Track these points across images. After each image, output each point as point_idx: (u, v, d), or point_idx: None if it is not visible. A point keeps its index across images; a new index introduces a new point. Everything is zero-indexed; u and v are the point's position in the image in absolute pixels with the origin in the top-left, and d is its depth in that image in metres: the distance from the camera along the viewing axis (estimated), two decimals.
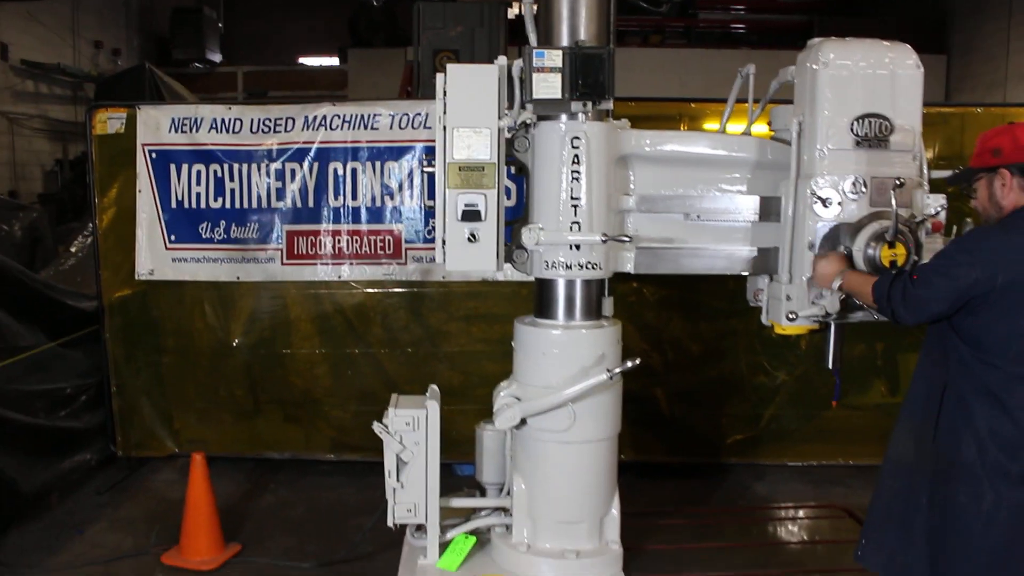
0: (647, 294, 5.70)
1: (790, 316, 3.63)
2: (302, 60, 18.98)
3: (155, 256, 5.62)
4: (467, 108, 3.50)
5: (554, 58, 3.43)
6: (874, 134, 3.51)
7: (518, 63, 3.55)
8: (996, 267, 2.86)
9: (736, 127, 4.17)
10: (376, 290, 5.63)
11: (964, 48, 15.27)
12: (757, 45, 15.34)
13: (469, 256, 3.57)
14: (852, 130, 3.51)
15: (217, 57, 17.49)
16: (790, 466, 5.92)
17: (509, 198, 5.19)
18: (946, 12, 15.62)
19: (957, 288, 2.90)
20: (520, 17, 3.69)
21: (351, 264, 5.57)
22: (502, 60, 3.55)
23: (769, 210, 3.78)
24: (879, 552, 3.19)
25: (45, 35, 13.71)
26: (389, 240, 5.54)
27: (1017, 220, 2.96)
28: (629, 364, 3.61)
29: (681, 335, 5.76)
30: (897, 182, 3.32)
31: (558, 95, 3.46)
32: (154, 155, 5.56)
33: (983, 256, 2.90)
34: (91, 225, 5.97)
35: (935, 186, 3.55)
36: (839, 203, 3.52)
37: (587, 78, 3.45)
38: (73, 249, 6.93)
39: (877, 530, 3.21)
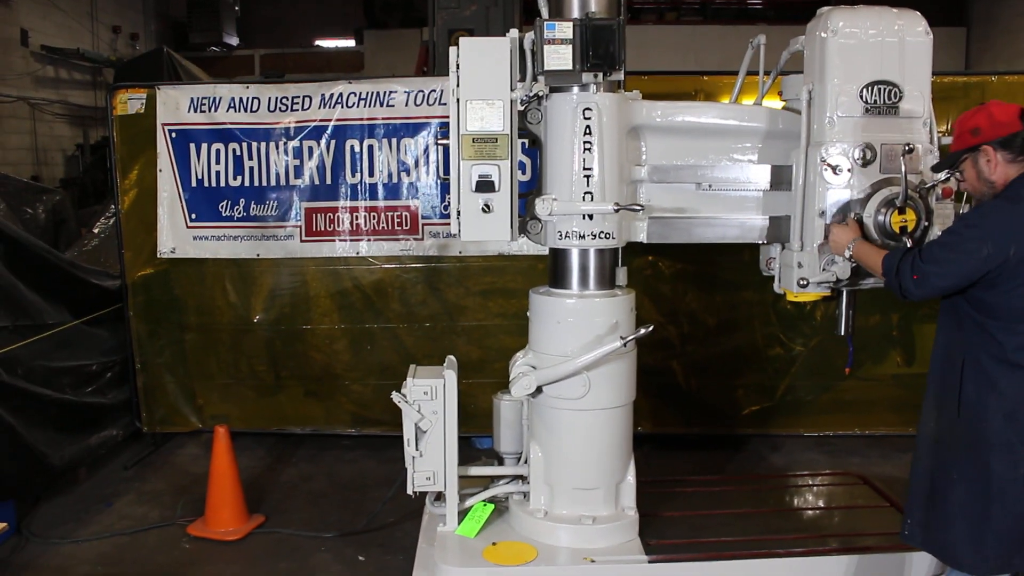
0: (663, 267, 5.73)
1: (801, 283, 3.66)
2: (318, 42, 19.02)
3: (176, 234, 5.72)
4: (480, 80, 3.54)
5: (565, 30, 3.47)
6: (883, 101, 3.54)
7: (529, 35, 3.58)
8: (1008, 240, 2.90)
9: (751, 102, 4.19)
10: (394, 266, 5.70)
11: (984, 20, 15.12)
12: (774, 21, 15.23)
13: (484, 226, 3.63)
14: (862, 97, 3.54)
15: (234, 40, 17.58)
16: (806, 436, 5.97)
17: (524, 172, 5.24)
18: None
19: (967, 264, 2.94)
20: None
21: (369, 240, 5.65)
22: (514, 33, 3.59)
23: (780, 179, 3.82)
24: (922, 530, 3.23)
25: (64, 21, 13.83)
26: (406, 216, 5.61)
27: (1019, 190, 2.99)
28: (642, 331, 3.66)
29: (697, 307, 5.80)
30: (906, 148, 3.34)
31: (569, 66, 3.49)
32: (174, 135, 5.64)
33: (993, 231, 2.94)
34: (113, 206, 6.06)
35: (945, 152, 3.57)
36: (849, 170, 3.54)
37: (598, 49, 3.48)
38: (96, 230, 7.02)
39: (918, 509, 3.24)
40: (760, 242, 3.98)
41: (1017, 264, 2.90)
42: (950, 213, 3.60)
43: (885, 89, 3.54)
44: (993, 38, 14.70)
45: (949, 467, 3.11)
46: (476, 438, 5.66)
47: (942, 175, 3.43)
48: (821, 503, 4.53)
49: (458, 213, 3.64)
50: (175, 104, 5.65)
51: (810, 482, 4.82)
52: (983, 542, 3.02)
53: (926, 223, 3.48)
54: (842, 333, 3.82)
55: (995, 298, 2.97)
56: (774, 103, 4.09)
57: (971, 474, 3.04)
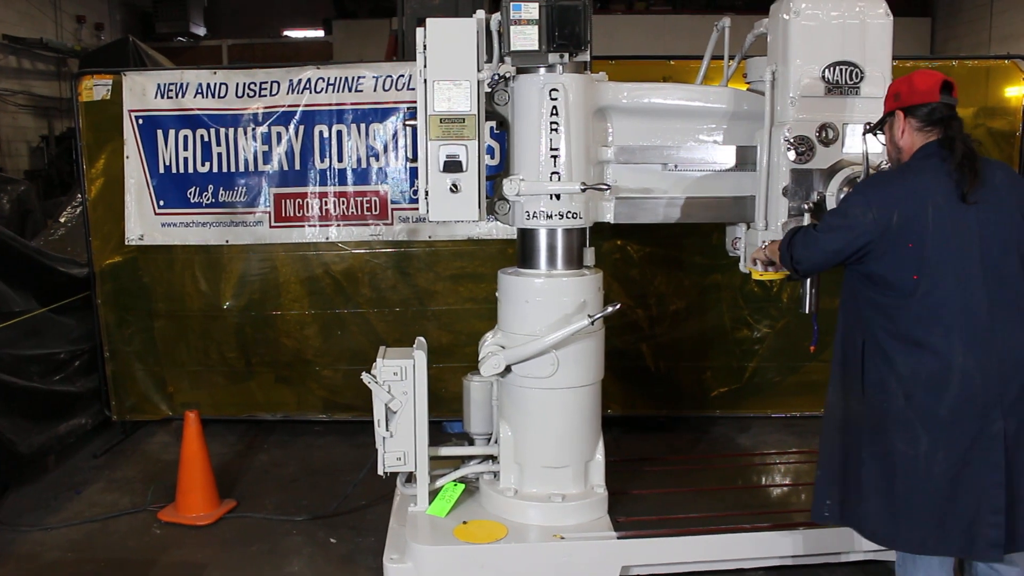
0: (631, 251, 5.78)
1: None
2: (287, 32, 18.89)
3: (144, 221, 5.68)
4: (447, 61, 3.57)
5: (531, 10, 3.51)
6: (845, 81, 3.61)
7: (496, 17, 3.62)
8: (891, 207, 2.95)
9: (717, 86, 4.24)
10: (364, 251, 5.71)
11: (948, 11, 15.32)
12: (742, 10, 15.34)
13: (452, 206, 3.66)
14: (824, 78, 3.61)
15: (201, 31, 17.41)
16: (774, 417, 6.05)
17: (492, 157, 5.26)
18: None
19: (853, 229, 2.99)
20: None
21: (338, 225, 5.65)
22: (480, 14, 3.62)
23: (745, 159, 3.88)
24: (840, 507, 3.24)
25: (27, 10, 13.62)
26: (375, 201, 5.61)
27: (912, 163, 3.06)
28: (609, 309, 3.71)
29: (665, 291, 5.85)
30: (867, 127, 3.41)
31: (535, 47, 3.53)
32: (141, 121, 5.60)
33: (878, 198, 3.00)
34: (80, 195, 6.01)
35: None
36: (812, 150, 3.60)
37: (564, 29, 3.52)
38: (62, 219, 6.94)
39: (834, 487, 3.25)
40: (726, 222, 4.03)
41: (899, 232, 2.94)
42: None
43: (847, 69, 3.61)
44: (956, 28, 14.91)
45: (859, 446, 3.13)
46: (447, 422, 5.67)
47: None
48: (788, 480, 4.61)
49: (426, 193, 3.67)
50: (141, 90, 5.61)
51: (777, 460, 4.89)
52: (895, 518, 3.04)
53: None
54: (807, 311, 3.88)
55: (883, 270, 3.00)
56: (740, 88, 4.14)
57: (878, 452, 3.06)
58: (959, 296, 2.91)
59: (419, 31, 3.60)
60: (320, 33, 18.20)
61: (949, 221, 2.92)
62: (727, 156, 3.92)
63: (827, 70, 3.60)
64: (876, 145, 3.47)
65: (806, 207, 3.60)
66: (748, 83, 4.04)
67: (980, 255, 2.92)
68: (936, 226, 2.92)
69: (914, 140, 3.07)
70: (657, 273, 5.82)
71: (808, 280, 3.83)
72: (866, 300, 3.10)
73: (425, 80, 3.59)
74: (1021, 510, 2.93)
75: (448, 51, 3.57)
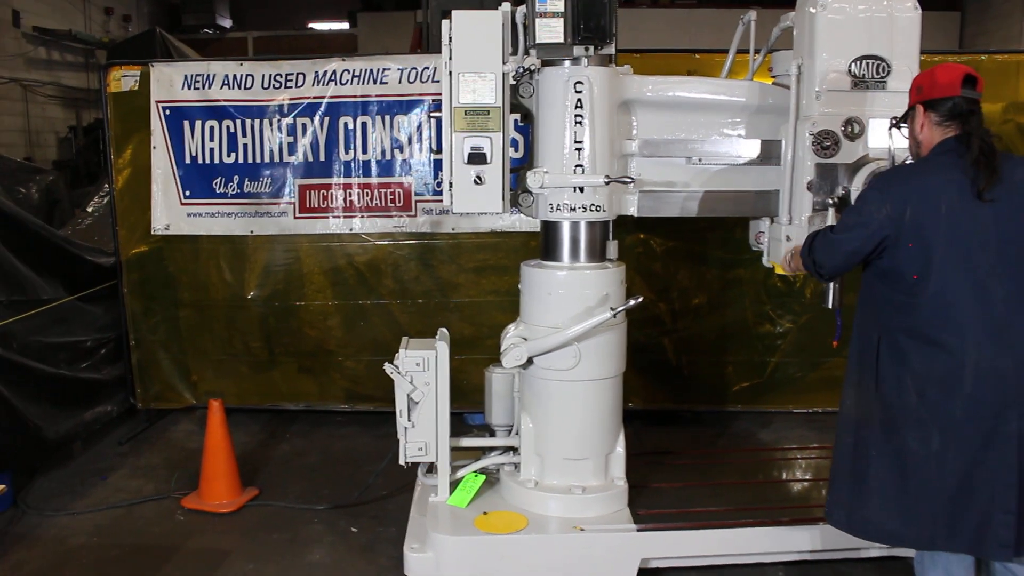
0: (654, 245, 5.78)
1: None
2: (312, 25, 18.96)
3: (170, 211, 5.74)
4: (472, 53, 3.58)
5: (557, 3, 3.51)
6: (872, 75, 3.59)
7: (521, 9, 3.63)
8: (905, 203, 2.92)
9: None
10: (387, 242, 5.73)
11: (978, 5, 15.15)
12: (767, 4, 15.23)
13: (476, 198, 3.67)
14: (850, 72, 3.58)
15: (227, 23, 17.52)
16: (795, 413, 6.03)
17: (516, 150, 5.27)
18: None
19: (868, 223, 2.98)
20: None
21: (362, 217, 5.68)
22: (506, 6, 3.62)
23: (770, 153, 3.87)
24: (840, 509, 3.23)
25: (56, 2, 13.76)
26: (399, 193, 5.64)
27: (929, 158, 3.03)
28: (632, 302, 3.71)
29: (688, 285, 5.84)
30: (892, 121, 3.39)
31: (560, 39, 3.53)
32: (168, 112, 5.66)
33: (892, 192, 2.98)
34: (107, 184, 6.08)
35: None
36: (837, 144, 3.59)
37: (589, 22, 3.52)
38: (90, 209, 7.02)
39: (842, 489, 3.24)
40: (749, 216, 4.02)
41: (911, 228, 2.92)
42: None
43: (874, 64, 3.59)
44: (986, 23, 14.74)
45: (868, 444, 3.11)
46: (468, 414, 5.69)
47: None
48: (808, 475, 4.59)
49: (450, 185, 3.68)
50: (169, 81, 5.66)
51: (798, 455, 4.88)
52: (904, 515, 3.02)
53: None
54: (830, 306, 3.86)
55: (897, 266, 2.98)
56: (765, 82, 4.13)
57: (888, 450, 3.04)
58: (973, 294, 2.89)
59: (444, 23, 3.61)
60: (345, 25, 18.26)
61: (963, 218, 2.89)
62: (751, 150, 3.90)
63: (854, 64, 3.58)
64: (902, 140, 3.44)
65: (831, 202, 3.59)
66: (773, 77, 4.03)
67: (997, 253, 2.88)
68: (949, 223, 2.89)
69: (933, 135, 3.04)
70: (680, 267, 5.81)
71: None
72: (881, 296, 3.09)
73: (450, 72, 3.60)
74: None
75: (473, 43, 3.57)
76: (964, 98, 2.97)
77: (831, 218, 3.58)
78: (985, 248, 2.89)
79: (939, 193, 2.92)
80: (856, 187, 3.56)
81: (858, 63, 3.58)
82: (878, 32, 3.58)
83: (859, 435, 3.16)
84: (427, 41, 7.80)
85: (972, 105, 2.99)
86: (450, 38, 3.59)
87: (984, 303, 2.88)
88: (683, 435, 5.72)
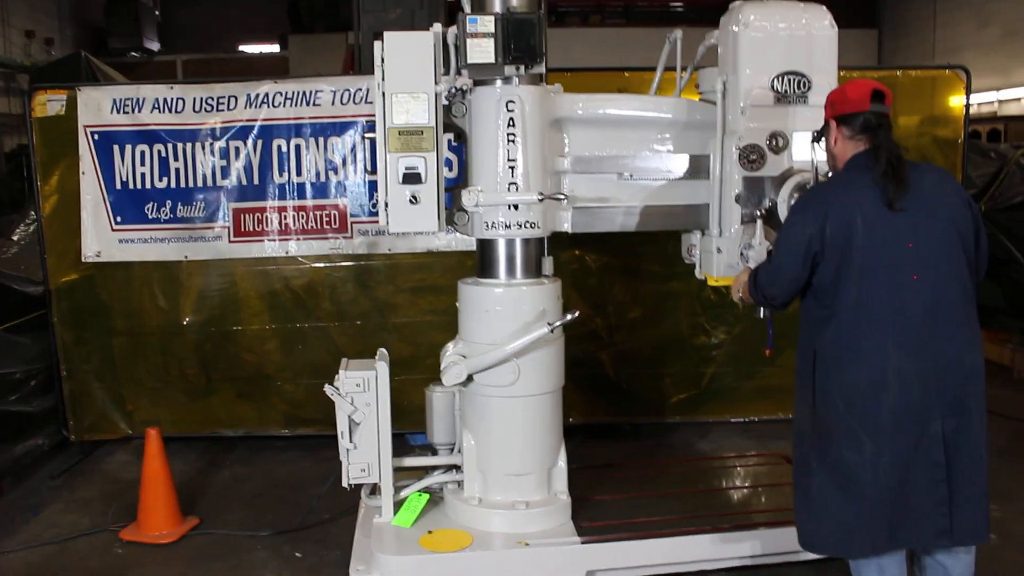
0: (589, 261, 5.85)
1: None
2: (242, 48, 18.82)
3: (101, 238, 5.64)
4: (404, 74, 3.61)
5: (487, 24, 3.56)
6: (793, 91, 3.71)
7: (453, 30, 3.67)
8: (823, 219, 3.03)
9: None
10: (323, 264, 5.71)
11: (893, 23, 15.70)
12: (695, 23, 15.57)
13: (411, 217, 3.69)
14: (773, 87, 3.70)
15: (155, 46, 17.31)
16: (732, 422, 6.14)
17: (450, 169, 5.30)
18: None
19: (798, 247, 3.08)
20: (458, 0, 3.80)
21: (298, 239, 5.65)
22: (437, 27, 3.67)
23: (699, 168, 3.97)
24: (798, 523, 3.28)
25: None
26: (335, 215, 5.63)
27: (842, 173, 3.16)
28: (569, 317, 3.77)
29: (623, 299, 5.92)
30: (815, 135, 3.50)
31: (491, 59, 3.59)
32: (96, 136, 5.56)
33: (812, 211, 3.09)
34: (33, 212, 5.94)
35: None
36: (762, 157, 3.69)
37: (519, 42, 3.59)
38: (15, 237, 6.85)
39: (795, 501, 3.31)
40: (681, 230, 4.11)
41: (832, 242, 3.01)
42: None
43: (795, 79, 3.71)
44: (901, 39, 15.28)
45: (809, 457, 3.18)
46: (409, 435, 5.68)
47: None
48: (748, 482, 4.69)
49: (386, 205, 3.70)
50: (97, 105, 5.58)
51: (736, 463, 4.97)
52: (845, 528, 3.09)
53: None
54: (761, 316, 3.96)
55: (825, 282, 3.08)
56: (692, 98, 4.23)
57: (827, 463, 3.11)
58: (892, 302, 2.99)
59: (377, 44, 3.64)
60: (276, 48, 18.19)
61: (879, 229, 2.99)
62: (681, 165, 4.00)
63: (776, 80, 3.70)
64: (824, 153, 3.57)
65: (759, 213, 3.69)
66: (700, 93, 4.13)
67: (913, 261, 2.99)
68: (866, 235, 2.99)
69: (846, 149, 3.16)
70: (615, 282, 5.89)
71: None
72: (811, 312, 3.19)
73: (383, 93, 3.63)
74: (958, 506, 3.02)
75: (406, 64, 3.61)
76: (873, 112, 3.09)
77: (759, 230, 3.68)
78: (902, 256, 2.99)
79: (854, 206, 3.02)
80: (782, 198, 3.68)
81: (780, 79, 3.70)
82: (798, 49, 3.71)
83: (802, 450, 3.25)
84: (359, 63, 7.82)
85: (881, 119, 3.10)
86: (383, 59, 3.62)
87: (903, 310, 2.99)
88: (623, 448, 5.79)
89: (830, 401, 3.09)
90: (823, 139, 3.28)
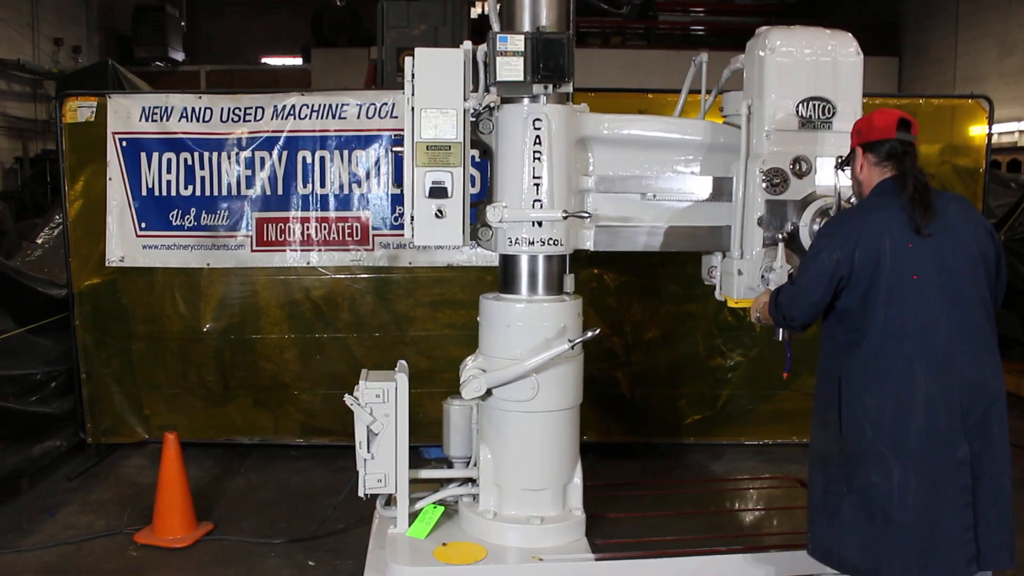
0: (608, 280, 5.88)
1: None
2: (265, 60, 18.99)
3: (126, 243, 5.71)
4: (434, 90, 3.66)
5: (516, 42, 3.61)
6: (818, 116, 3.73)
7: (482, 48, 3.72)
8: (854, 244, 3.06)
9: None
10: (344, 276, 5.76)
11: (915, 51, 15.71)
12: (716, 47, 15.64)
13: (436, 231, 3.73)
14: (797, 112, 3.73)
15: (180, 56, 17.47)
16: (747, 445, 6.14)
17: (474, 185, 5.34)
18: (899, 17, 16.07)
19: (825, 270, 3.10)
20: (482, 16, 3.86)
21: (319, 251, 5.70)
22: (467, 45, 3.71)
23: (721, 190, 3.99)
24: (819, 545, 3.30)
25: (4, 31, 13.64)
26: (357, 227, 5.68)
27: (871, 199, 3.19)
28: (589, 334, 3.79)
29: (641, 319, 5.95)
30: (839, 161, 3.53)
31: (520, 78, 3.63)
32: (125, 143, 5.64)
33: (841, 236, 3.13)
34: (59, 216, 6.02)
35: None
36: (786, 181, 3.72)
37: (548, 61, 3.63)
38: (40, 241, 6.93)
39: (817, 525, 3.31)
40: (702, 251, 4.14)
41: (861, 267, 3.05)
42: None
43: (819, 105, 3.74)
44: (923, 67, 15.29)
45: (837, 481, 3.19)
46: (424, 448, 5.70)
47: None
48: (761, 505, 4.69)
49: (411, 218, 3.74)
50: (126, 113, 5.66)
51: (750, 486, 4.97)
52: (876, 550, 3.09)
53: None
54: (779, 339, 3.98)
55: (853, 307, 3.11)
56: (716, 121, 4.26)
57: (855, 487, 3.12)
58: (919, 326, 3.02)
59: (407, 60, 3.69)
60: (298, 61, 18.34)
61: (906, 254, 3.03)
62: (704, 187, 4.03)
63: (800, 105, 3.73)
64: (847, 178, 3.59)
65: (780, 237, 3.71)
66: (724, 116, 4.16)
67: (938, 285, 3.03)
68: (894, 259, 3.03)
69: (872, 176, 3.20)
70: (633, 302, 5.92)
71: None
72: (837, 337, 3.21)
73: (413, 108, 3.67)
74: (983, 530, 3.03)
75: (436, 80, 3.65)
76: (899, 140, 3.14)
77: (780, 253, 3.70)
78: (928, 280, 3.03)
79: (882, 231, 3.05)
80: (804, 223, 3.70)
81: (805, 104, 3.73)
82: (823, 75, 3.73)
83: (828, 472, 3.25)
84: (381, 78, 7.88)
85: (907, 147, 3.15)
86: (413, 75, 3.67)
87: (929, 333, 3.01)
88: (637, 467, 5.79)
89: (857, 426, 3.10)
90: (848, 166, 3.32)
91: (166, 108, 5.64)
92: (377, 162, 5.63)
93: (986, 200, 5.93)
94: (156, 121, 5.64)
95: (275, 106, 5.63)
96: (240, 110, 5.64)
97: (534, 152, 3.78)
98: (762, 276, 3.80)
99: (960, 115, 6.02)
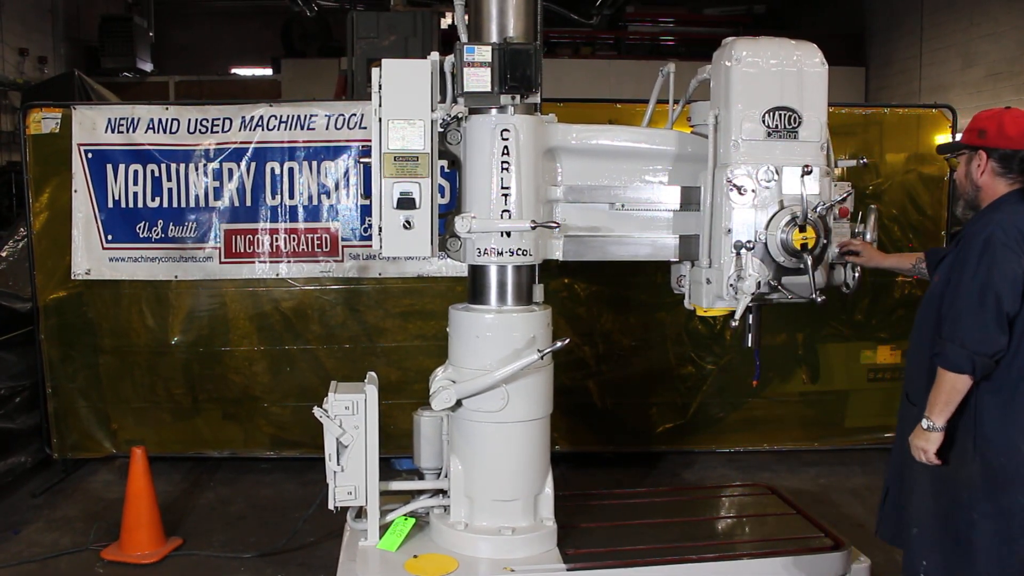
0: (578, 289, 5.89)
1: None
2: (235, 70, 18.88)
3: (92, 256, 5.65)
4: (401, 101, 3.65)
5: (484, 53, 3.61)
6: (784, 126, 3.75)
7: (450, 59, 3.72)
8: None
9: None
10: (313, 287, 5.74)
11: (881, 62, 15.90)
12: (686, 56, 15.74)
13: (405, 242, 3.72)
14: (764, 122, 3.74)
15: (148, 67, 17.28)
16: (718, 452, 6.18)
17: (443, 196, 5.35)
18: (865, 28, 16.27)
19: (1017, 279, 2.90)
20: (452, 27, 3.86)
21: (289, 262, 5.68)
22: (434, 56, 3.71)
23: (690, 199, 4.00)
24: (938, 570, 3.13)
25: None
26: (326, 238, 5.66)
27: (1006, 208, 3.06)
28: (559, 344, 3.79)
29: (612, 328, 5.97)
30: (805, 170, 3.56)
31: (488, 88, 3.63)
32: (90, 155, 5.59)
33: (1013, 238, 2.94)
34: (23, 228, 5.94)
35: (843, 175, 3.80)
36: (753, 191, 3.74)
37: (515, 72, 3.64)
38: (4, 254, 6.83)
39: (934, 551, 3.12)
40: (671, 260, 4.15)
41: None
42: (846, 231, 3.86)
43: (785, 115, 3.76)
44: (889, 77, 15.47)
45: (968, 506, 3.02)
46: (395, 459, 5.68)
47: (838, 196, 3.68)
48: (732, 512, 4.70)
49: (379, 230, 3.72)
50: (91, 124, 5.61)
51: (722, 493, 4.99)
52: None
53: (824, 241, 3.70)
54: (748, 346, 4.00)
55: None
56: (684, 131, 4.29)
57: (994, 511, 2.98)
58: None
59: (374, 71, 3.68)
60: (268, 71, 18.21)
61: None
62: (672, 196, 4.04)
63: (767, 115, 3.74)
64: (813, 187, 3.63)
65: (748, 246, 3.73)
66: (692, 126, 4.18)
67: None
68: None
69: (995, 184, 3.11)
70: (603, 311, 5.93)
71: (750, 316, 3.96)
72: None
73: (380, 119, 3.67)
74: None
75: (403, 91, 3.65)
76: None
77: (747, 262, 3.70)
78: None
79: None
80: (772, 232, 3.71)
81: (771, 114, 3.75)
82: (789, 85, 3.75)
83: (953, 496, 3.08)
84: (352, 88, 7.86)
85: None
86: (380, 85, 3.66)
87: None
88: (609, 476, 5.80)
89: (1013, 443, 2.96)
90: (958, 159, 3.19)
91: (132, 119, 5.59)
92: (346, 173, 5.62)
93: (951, 207, 6.00)
94: (122, 132, 5.59)
95: (243, 117, 5.60)
96: (208, 121, 5.60)
97: (502, 163, 3.78)
98: (730, 285, 3.81)
99: (925, 124, 6.11)
